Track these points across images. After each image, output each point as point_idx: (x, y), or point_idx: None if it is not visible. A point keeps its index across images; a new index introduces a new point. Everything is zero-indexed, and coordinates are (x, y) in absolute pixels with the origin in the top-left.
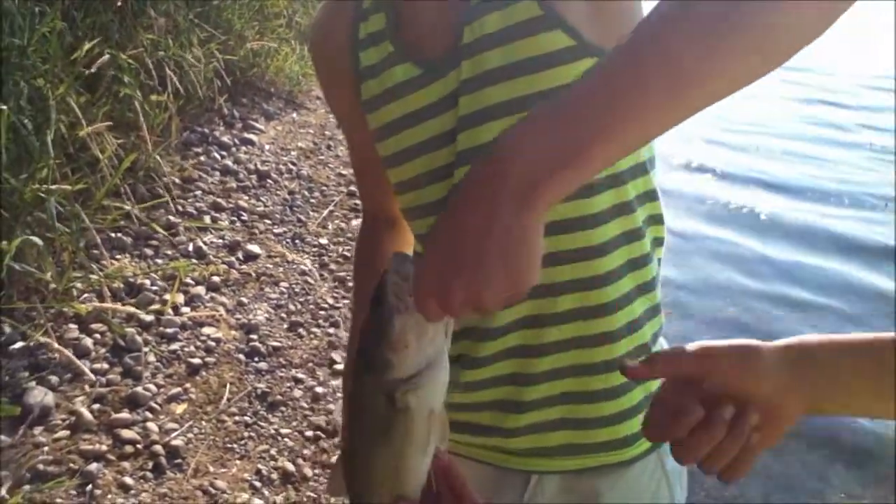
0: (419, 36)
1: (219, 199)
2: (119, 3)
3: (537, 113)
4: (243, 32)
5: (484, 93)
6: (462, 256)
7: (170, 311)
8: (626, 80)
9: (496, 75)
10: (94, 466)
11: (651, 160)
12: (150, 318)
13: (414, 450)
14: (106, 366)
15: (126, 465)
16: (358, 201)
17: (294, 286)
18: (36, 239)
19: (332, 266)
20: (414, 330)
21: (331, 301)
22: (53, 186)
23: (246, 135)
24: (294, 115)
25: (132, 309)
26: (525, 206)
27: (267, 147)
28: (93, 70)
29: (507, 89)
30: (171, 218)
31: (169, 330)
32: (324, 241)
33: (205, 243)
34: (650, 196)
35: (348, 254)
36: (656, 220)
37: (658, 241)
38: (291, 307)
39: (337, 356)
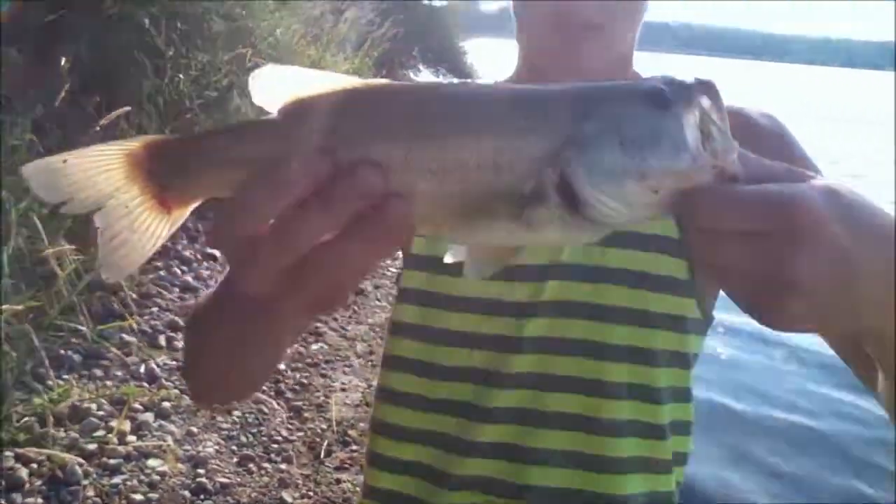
0: None
1: (176, 318)
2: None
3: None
4: None
5: (577, 286)
6: None
7: (115, 439)
8: None
9: (603, 274)
10: None
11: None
12: (93, 446)
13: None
14: (40, 500)
15: None
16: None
17: (247, 415)
18: None
19: (289, 394)
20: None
21: (285, 433)
22: (5, 306)
23: (209, 250)
24: None
25: (75, 435)
26: None
27: None
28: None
29: (604, 292)
30: (125, 336)
31: (112, 461)
32: (280, 365)
33: (158, 365)
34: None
35: (305, 381)
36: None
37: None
38: (243, 439)
39: (287, 496)
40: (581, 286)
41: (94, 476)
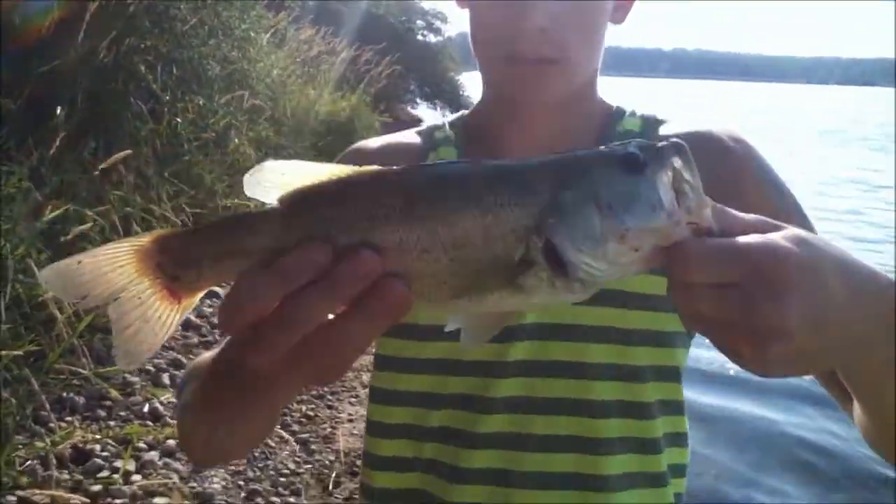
0: None
1: (179, 356)
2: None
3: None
4: (213, 187)
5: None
6: None
7: (119, 479)
8: None
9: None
10: None
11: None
12: (97, 488)
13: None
14: None
15: None
16: None
17: (254, 450)
18: None
19: (295, 427)
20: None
21: (292, 466)
22: (4, 352)
23: (212, 288)
24: None
25: (79, 477)
26: None
27: None
28: (67, 237)
29: (584, 312)
30: (128, 377)
31: (118, 501)
32: None
33: (161, 403)
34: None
35: (311, 413)
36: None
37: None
38: (250, 473)
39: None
40: (560, 308)
41: None
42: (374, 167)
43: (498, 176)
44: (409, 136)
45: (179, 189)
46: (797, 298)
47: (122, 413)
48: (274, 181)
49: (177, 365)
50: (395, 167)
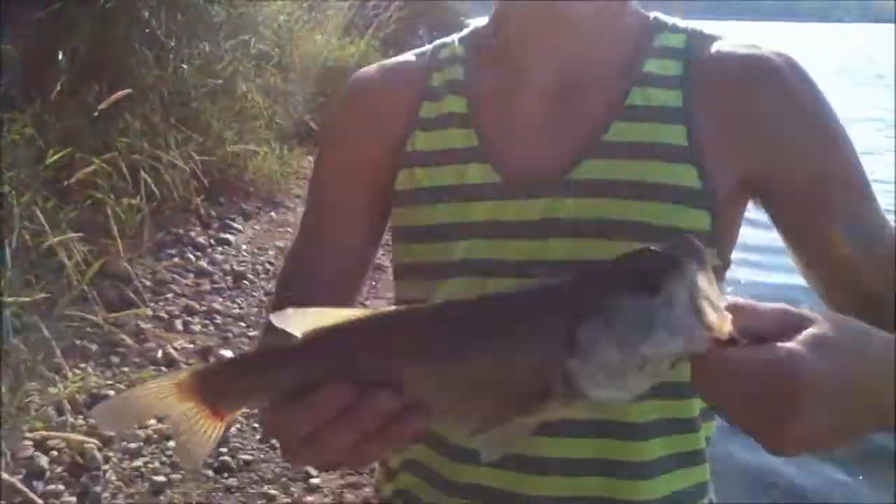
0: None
1: (191, 302)
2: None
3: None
4: (222, 134)
5: (591, 203)
6: None
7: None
8: None
9: (609, 227)
10: None
11: None
12: (112, 432)
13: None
14: (61, 487)
15: None
16: None
17: None
18: None
19: None
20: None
21: None
22: (10, 299)
23: (223, 235)
24: (272, 213)
25: (93, 422)
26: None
27: (244, 247)
28: (70, 181)
29: (616, 207)
30: (141, 323)
31: (132, 445)
32: None
33: (175, 349)
34: None
35: None
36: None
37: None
38: None
39: (312, 469)
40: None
41: (115, 461)
42: (392, 308)
43: (512, 314)
44: (410, 57)
45: (187, 136)
46: (818, 409)
47: (136, 360)
48: (298, 322)
49: (189, 311)
50: (407, 307)
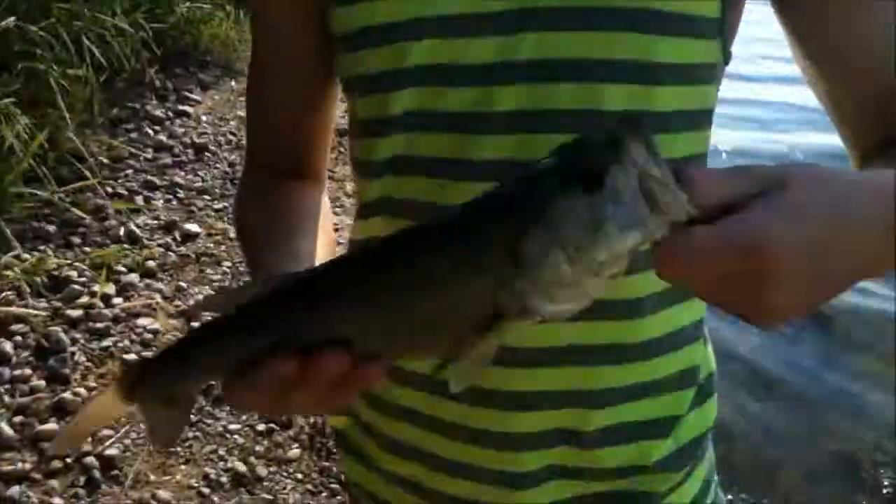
0: None
1: (152, 178)
2: None
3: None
4: None
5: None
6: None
7: (100, 303)
8: None
9: (596, 15)
10: (15, 490)
11: None
12: (77, 313)
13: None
14: (28, 371)
15: (54, 483)
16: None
17: (238, 264)
18: None
19: None
20: (626, 245)
21: None
22: None
23: (181, 107)
24: (232, 83)
25: (57, 304)
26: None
27: (204, 118)
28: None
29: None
30: (100, 201)
31: (99, 325)
32: None
33: (137, 226)
34: None
35: None
36: None
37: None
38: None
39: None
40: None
41: (82, 342)
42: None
43: (449, 245)
44: None
45: (136, 3)
46: (790, 281)
47: (98, 239)
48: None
49: (150, 186)
50: (338, 257)
